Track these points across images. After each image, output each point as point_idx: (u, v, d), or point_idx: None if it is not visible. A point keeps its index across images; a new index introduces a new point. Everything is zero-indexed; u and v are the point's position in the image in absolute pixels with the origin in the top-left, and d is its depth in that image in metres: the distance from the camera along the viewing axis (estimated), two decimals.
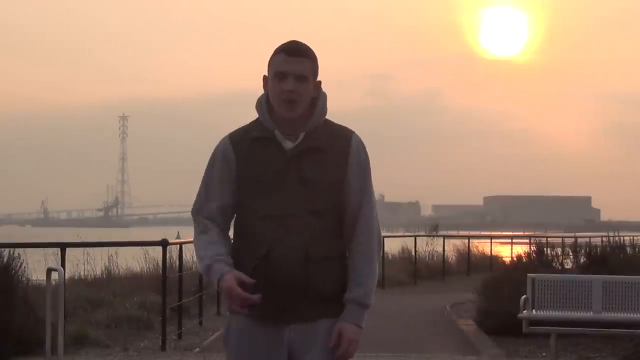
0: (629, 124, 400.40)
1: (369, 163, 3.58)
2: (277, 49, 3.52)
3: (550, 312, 9.82)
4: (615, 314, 9.73)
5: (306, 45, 3.53)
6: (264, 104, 3.56)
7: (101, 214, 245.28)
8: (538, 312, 9.82)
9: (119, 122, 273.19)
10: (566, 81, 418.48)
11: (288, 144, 3.49)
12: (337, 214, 3.53)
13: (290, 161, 3.49)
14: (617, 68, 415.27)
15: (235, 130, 3.63)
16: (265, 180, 3.49)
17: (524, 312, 9.67)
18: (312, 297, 3.47)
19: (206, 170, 3.62)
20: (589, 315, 9.76)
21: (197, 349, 10.77)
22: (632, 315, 9.68)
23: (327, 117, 3.60)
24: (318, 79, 3.56)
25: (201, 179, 3.64)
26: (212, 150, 3.65)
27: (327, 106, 3.60)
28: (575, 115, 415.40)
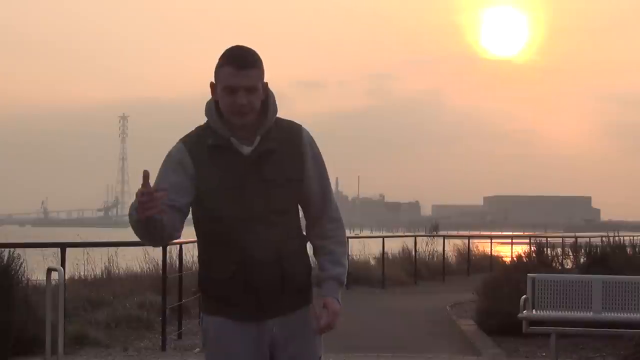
0: (629, 124, 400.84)
1: (320, 153, 3.67)
2: (223, 59, 3.50)
3: (550, 312, 9.82)
4: (615, 314, 9.73)
5: (253, 53, 3.52)
6: (214, 110, 3.57)
7: (101, 214, 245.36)
8: (538, 312, 9.81)
9: (119, 122, 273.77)
10: (566, 81, 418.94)
11: (245, 149, 3.54)
12: (297, 209, 3.66)
13: (250, 165, 3.53)
14: (617, 68, 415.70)
15: (187, 137, 3.60)
16: (228, 187, 3.52)
17: (524, 312, 9.67)
18: (289, 291, 3.58)
19: (160, 174, 3.55)
20: (589, 315, 9.76)
21: (197, 349, 10.76)
22: (632, 315, 9.68)
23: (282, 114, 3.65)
24: (265, 81, 3.55)
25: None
26: (167, 153, 3.59)
27: (277, 104, 3.62)
28: (576, 116, 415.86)
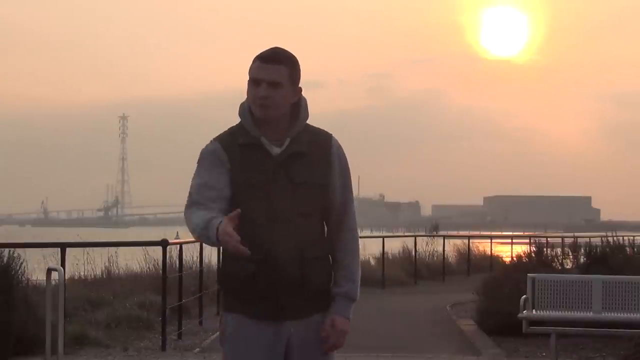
0: (629, 124, 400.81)
1: (347, 163, 3.75)
2: (255, 56, 3.65)
3: (550, 312, 9.83)
4: (615, 314, 9.73)
5: (285, 52, 3.65)
6: (247, 110, 3.67)
7: (101, 214, 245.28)
8: (538, 312, 9.82)
9: (119, 122, 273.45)
10: (566, 81, 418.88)
11: (275, 150, 3.62)
12: (322, 215, 3.69)
13: (278, 166, 3.61)
14: (617, 68, 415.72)
15: (221, 135, 3.71)
16: (257, 185, 3.59)
17: (524, 312, 9.67)
18: (307, 294, 3.63)
19: (198, 171, 3.66)
20: (589, 315, 9.76)
21: (197, 349, 10.77)
22: (632, 315, 9.69)
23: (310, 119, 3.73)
24: (300, 86, 3.67)
25: (192, 180, 3.66)
26: (200, 152, 3.70)
27: (309, 111, 3.72)
28: (576, 116, 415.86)
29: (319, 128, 3.74)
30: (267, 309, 3.60)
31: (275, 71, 3.58)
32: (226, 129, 3.72)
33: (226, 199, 3.60)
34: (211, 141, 3.69)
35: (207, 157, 3.66)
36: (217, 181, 3.61)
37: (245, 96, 3.69)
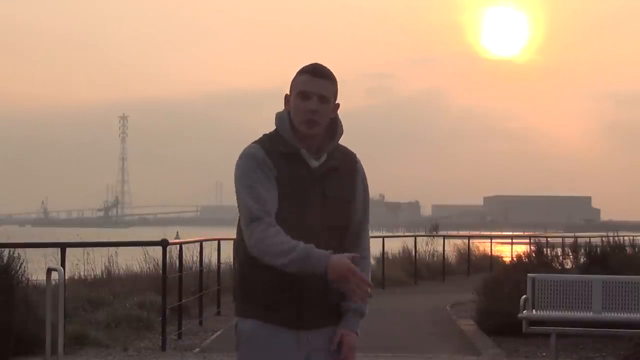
0: (629, 124, 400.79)
1: (367, 185, 3.82)
2: (301, 70, 3.66)
3: (550, 312, 9.83)
4: (615, 314, 9.74)
5: (328, 69, 3.69)
6: (286, 121, 3.66)
7: (101, 214, 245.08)
8: (538, 312, 9.82)
9: (119, 122, 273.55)
10: (566, 81, 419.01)
11: (314, 163, 3.65)
12: (343, 232, 3.72)
13: (315, 179, 3.64)
14: (617, 68, 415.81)
15: (260, 141, 3.67)
16: (292, 196, 3.60)
17: (524, 312, 9.68)
18: (327, 306, 3.66)
19: (247, 175, 3.59)
20: (589, 315, 9.77)
21: (197, 349, 10.78)
22: (632, 315, 9.69)
23: None
24: (337, 102, 3.71)
25: (241, 185, 3.59)
26: (243, 154, 3.63)
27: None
28: (576, 115, 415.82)
29: (345, 146, 3.80)
30: (289, 316, 3.61)
31: (325, 86, 3.63)
32: (261, 136, 3.69)
33: (276, 208, 3.58)
34: (252, 145, 3.65)
35: (253, 161, 3.60)
36: (270, 189, 3.57)
37: (284, 106, 3.66)
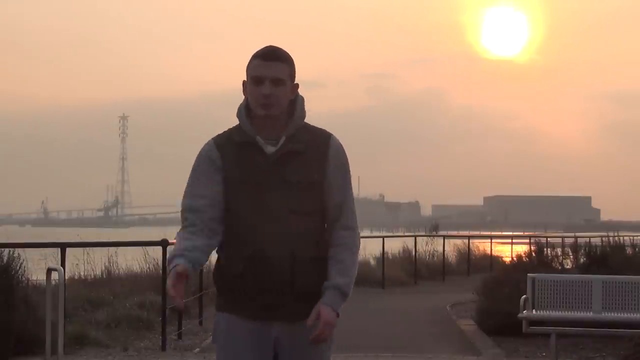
0: (629, 124, 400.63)
1: (347, 162, 3.71)
2: (254, 54, 3.65)
3: (550, 312, 9.83)
4: (615, 314, 9.74)
5: (283, 50, 3.67)
6: (243, 110, 3.68)
7: (101, 214, 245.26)
8: (538, 312, 9.82)
9: (119, 122, 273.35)
10: (566, 81, 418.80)
11: (269, 149, 3.63)
12: (322, 216, 3.66)
13: (272, 165, 3.61)
14: (617, 68, 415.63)
15: (218, 135, 3.73)
16: (249, 183, 3.60)
17: (524, 312, 9.68)
18: (297, 296, 3.59)
19: (192, 171, 3.70)
20: (589, 315, 9.77)
21: (197, 349, 10.77)
22: (632, 315, 9.69)
23: (312, 120, 3.74)
24: (295, 82, 3.68)
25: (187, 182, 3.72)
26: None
27: (306, 109, 3.71)
28: (576, 115, 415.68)
29: (319, 128, 3.73)
30: (255, 308, 3.59)
31: (277, 68, 3.59)
32: (226, 129, 3.74)
33: (218, 204, 3.62)
34: (209, 140, 3.72)
35: (200, 158, 3.69)
36: (208, 186, 3.63)
37: (242, 96, 3.70)
